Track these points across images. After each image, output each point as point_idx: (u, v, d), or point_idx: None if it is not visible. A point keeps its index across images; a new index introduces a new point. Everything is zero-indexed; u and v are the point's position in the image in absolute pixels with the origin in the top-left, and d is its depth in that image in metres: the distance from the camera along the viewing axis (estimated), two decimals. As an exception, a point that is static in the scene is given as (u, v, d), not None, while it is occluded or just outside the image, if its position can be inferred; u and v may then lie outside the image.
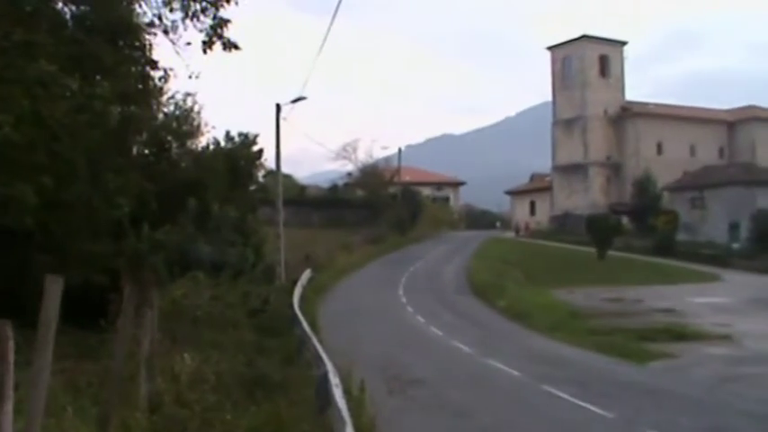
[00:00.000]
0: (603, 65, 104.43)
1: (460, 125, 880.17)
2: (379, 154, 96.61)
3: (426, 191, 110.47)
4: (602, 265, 65.70)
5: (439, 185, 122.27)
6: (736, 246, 75.82)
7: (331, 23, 48.12)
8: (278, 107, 46.17)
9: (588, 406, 17.26)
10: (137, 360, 13.70)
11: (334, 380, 13.87)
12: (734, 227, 79.18)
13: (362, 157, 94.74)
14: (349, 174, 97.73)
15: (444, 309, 40.59)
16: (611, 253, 70.63)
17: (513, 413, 17.42)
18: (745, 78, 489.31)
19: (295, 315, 28.51)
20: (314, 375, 16.09)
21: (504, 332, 33.51)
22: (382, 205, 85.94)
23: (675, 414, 16.81)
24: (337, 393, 13.02)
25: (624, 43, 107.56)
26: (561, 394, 18.67)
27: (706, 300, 45.53)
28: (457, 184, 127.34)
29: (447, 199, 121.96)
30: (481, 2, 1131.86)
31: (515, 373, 22.00)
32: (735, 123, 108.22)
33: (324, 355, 17.25)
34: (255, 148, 49.06)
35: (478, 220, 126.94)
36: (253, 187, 52.25)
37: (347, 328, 32.07)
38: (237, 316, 28.48)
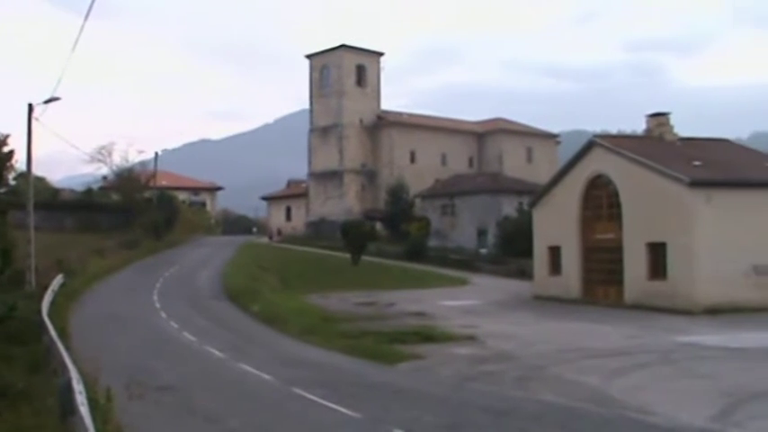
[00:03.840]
0: (361, 74, 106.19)
1: (219, 131, 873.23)
2: (136, 158, 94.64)
3: (183, 195, 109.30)
4: (356, 271, 66.94)
5: (196, 190, 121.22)
6: (483, 251, 78.90)
7: (84, 23, 46.73)
8: (30, 107, 44.43)
9: (337, 407, 17.59)
10: None
11: (78, 387, 13.59)
12: (481, 233, 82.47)
13: (118, 160, 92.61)
14: (104, 177, 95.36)
15: (198, 314, 40.37)
16: (365, 258, 71.95)
17: (264, 417, 17.52)
18: (495, 92, 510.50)
19: (43, 322, 27.69)
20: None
21: (258, 336, 33.61)
22: (138, 209, 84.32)
23: (420, 412, 17.36)
24: (80, 401, 12.79)
25: (381, 54, 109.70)
26: (311, 397, 18.96)
27: (454, 303, 47.24)
28: (214, 189, 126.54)
29: (204, 204, 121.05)
30: (241, 8, 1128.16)
31: (267, 376, 22.17)
32: (484, 135, 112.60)
33: (69, 362, 16.88)
34: (6, 150, 47.31)
35: (235, 225, 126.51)
36: (2, 190, 50.34)
37: (98, 334, 31.45)
38: (-20, 324, 27.44)
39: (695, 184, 42.00)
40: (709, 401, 18.41)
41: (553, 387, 20.94)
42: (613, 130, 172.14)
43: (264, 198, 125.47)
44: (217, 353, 27.44)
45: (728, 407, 17.76)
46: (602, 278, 48.30)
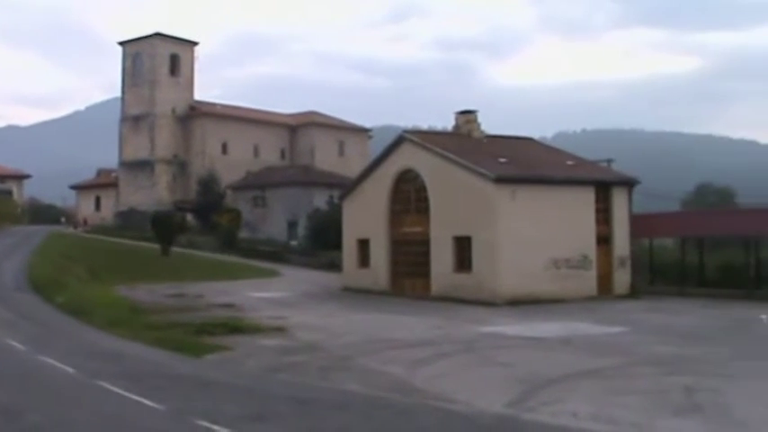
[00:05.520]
0: (174, 64, 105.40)
1: (28, 117, 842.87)
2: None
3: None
4: (166, 262, 66.31)
5: (1, 178, 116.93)
6: (294, 243, 79.47)
7: None
8: None
9: (141, 399, 17.39)
10: None
11: None
12: (292, 225, 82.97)
13: None
14: None
15: (0, 306, 39.16)
16: (175, 249, 71.38)
17: (65, 410, 17.16)
18: (309, 86, 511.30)
19: None
20: None
21: (62, 329, 32.87)
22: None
23: (225, 403, 17.38)
24: None
25: (196, 44, 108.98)
26: (115, 389, 18.69)
27: (264, 294, 47.50)
28: (21, 178, 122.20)
29: (10, 192, 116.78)
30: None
31: (70, 369, 21.69)
32: (296, 127, 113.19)
33: None
34: None
35: (43, 214, 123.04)
36: None
37: None
38: None
39: (500, 180, 43.43)
40: (506, 388, 19.10)
41: (358, 377, 21.31)
42: (425, 126, 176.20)
43: (73, 187, 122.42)
44: (18, 345, 26.66)
45: (524, 393, 18.47)
46: (409, 271, 49.37)
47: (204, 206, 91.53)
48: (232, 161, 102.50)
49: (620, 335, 30.90)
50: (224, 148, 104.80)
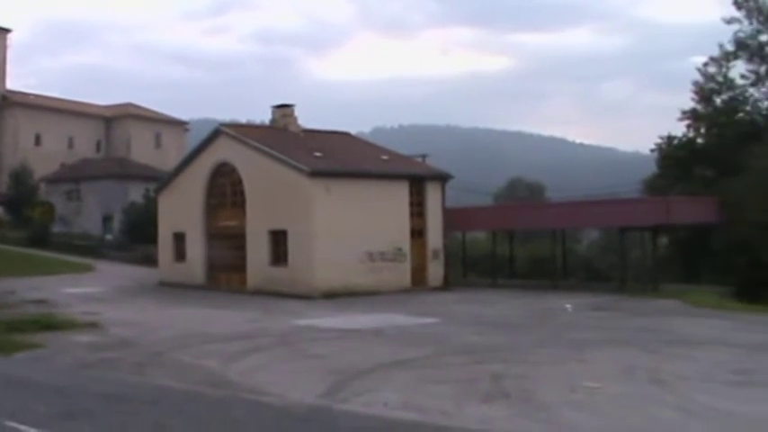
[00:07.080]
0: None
1: None
2: None
3: None
4: (-26, 258, 64.03)
5: None
6: (109, 237, 78.18)
7: None
8: None
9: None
10: None
11: None
12: (107, 219, 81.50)
13: None
14: None
15: None
16: (-16, 244, 69.06)
17: None
18: (126, 77, 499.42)
19: None
20: None
21: None
22: None
23: (34, 402, 17.03)
24: None
25: (9, 31, 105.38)
26: None
27: (78, 290, 46.56)
28: None
29: None
30: None
31: None
32: (112, 119, 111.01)
33: None
34: None
35: None
36: None
37: None
38: None
39: (315, 174, 43.88)
40: (320, 380, 19.40)
41: (172, 372, 21.28)
42: (243, 119, 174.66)
43: None
44: None
45: (337, 384, 18.81)
46: (226, 264, 49.43)
47: (16, 200, 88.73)
48: (46, 153, 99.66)
49: (433, 326, 31.78)
50: (37, 140, 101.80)
